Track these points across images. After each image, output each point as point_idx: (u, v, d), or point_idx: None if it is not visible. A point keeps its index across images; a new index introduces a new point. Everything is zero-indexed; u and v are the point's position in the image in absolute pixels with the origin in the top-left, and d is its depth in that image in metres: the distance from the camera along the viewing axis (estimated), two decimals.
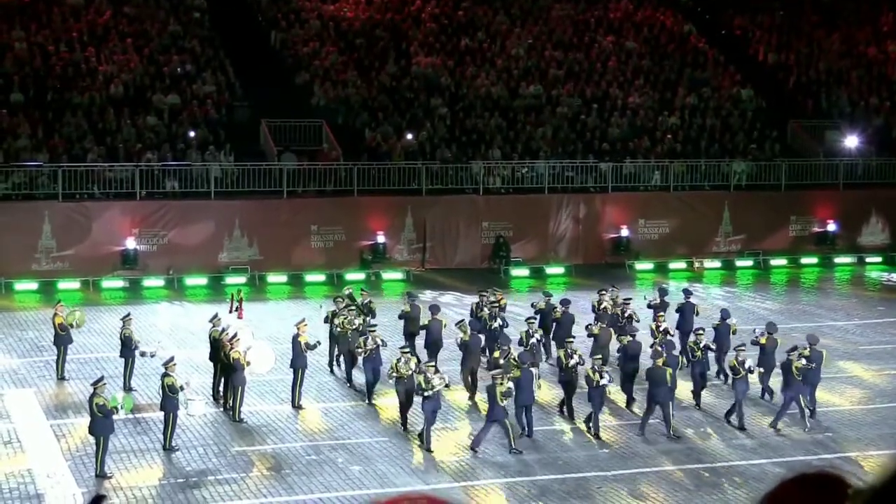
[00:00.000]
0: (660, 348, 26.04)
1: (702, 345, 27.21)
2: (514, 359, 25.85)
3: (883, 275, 45.47)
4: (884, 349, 33.29)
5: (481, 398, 26.72)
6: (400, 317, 30.38)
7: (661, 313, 29.16)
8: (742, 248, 46.10)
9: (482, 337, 28.59)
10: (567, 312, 30.27)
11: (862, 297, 41.62)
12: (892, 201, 47.77)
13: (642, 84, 50.58)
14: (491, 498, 21.89)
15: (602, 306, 31.21)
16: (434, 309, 29.80)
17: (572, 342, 27.07)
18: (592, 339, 28.95)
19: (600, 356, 26.15)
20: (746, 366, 25.96)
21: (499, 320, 29.66)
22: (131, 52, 45.55)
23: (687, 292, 32.41)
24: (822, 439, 25.58)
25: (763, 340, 27.91)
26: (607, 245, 44.77)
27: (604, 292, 31.88)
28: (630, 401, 27.22)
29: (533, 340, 28.07)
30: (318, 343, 27.56)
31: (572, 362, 26.10)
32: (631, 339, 27.76)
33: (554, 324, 30.38)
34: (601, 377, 25.00)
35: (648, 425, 25.51)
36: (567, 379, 26.38)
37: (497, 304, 30.81)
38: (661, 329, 28.32)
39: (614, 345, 29.15)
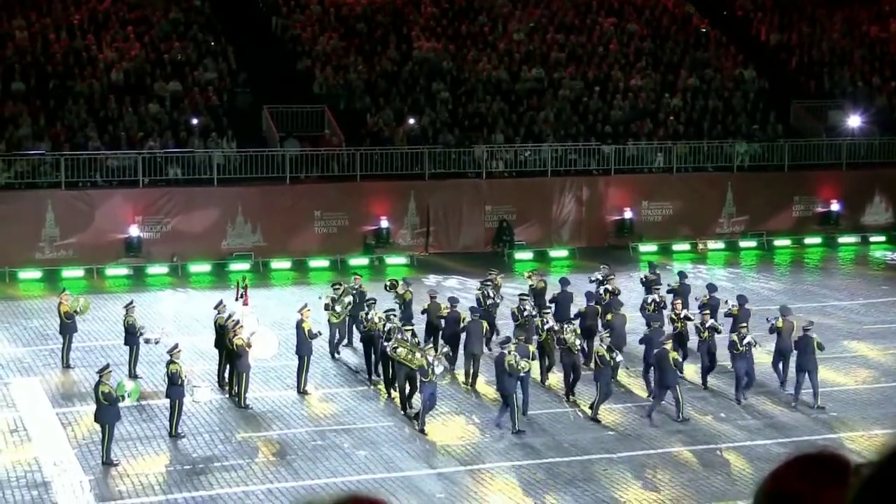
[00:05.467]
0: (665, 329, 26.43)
1: (707, 325, 27.19)
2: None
3: (887, 254, 45.43)
4: (888, 328, 33.29)
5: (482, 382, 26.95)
6: (442, 324, 29.68)
7: (678, 302, 29.00)
8: (745, 229, 46.05)
9: (484, 322, 28.54)
10: (565, 292, 30.53)
11: (866, 276, 41.61)
12: (895, 181, 47.71)
13: (644, 66, 50.47)
14: (497, 481, 21.94)
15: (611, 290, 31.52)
16: (453, 301, 29.76)
17: (549, 313, 28.05)
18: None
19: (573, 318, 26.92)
20: (745, 342, 26.11)
21: (490, 296, 30.05)
22: (132, 39, 45.50)
23: (682, 274, 32.95)
24: (826, 419, 25.62)
25: (780, 324, 27.81)
26: (610, 227, 44.74)
27: (609, 275, 32.29)
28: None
29: (526, 314, 28.37)
30: (319, 333, 27.56)
31: (548, 326, 26.97)
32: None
33: (554, 304, 30.46)
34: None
35: (658, 410, 25.56)
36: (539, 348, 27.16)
37: (488, 282, 31.01)
38: (682, 315, 28.30)
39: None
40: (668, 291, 31.17)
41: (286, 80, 45.67)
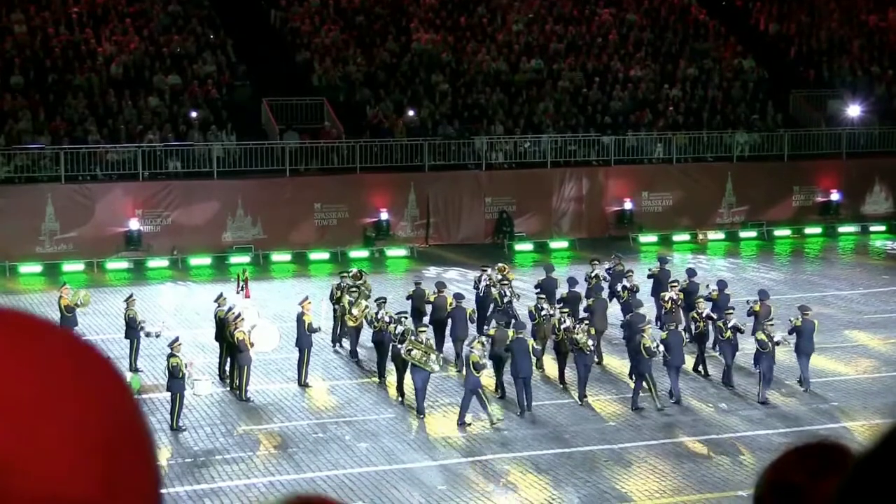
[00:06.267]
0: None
1: (730, 325, 26.77)
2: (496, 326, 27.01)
3: (887, 243, 45.43)
4: (888, 318, 33.29)
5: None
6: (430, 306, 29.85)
7: (700, 300, 28.60)
8: (745, 219, 46.05)
9: (466, 308, 28.81)
10: (573, 291, 30.45)
11: (866, 265, 41.61)
12: (895, 170, 47.70)
13: (643, 56, 50.45)
14: (499, 472, 21.95)
15: (594, 273, 31.69)
16: (440, 286, 29.98)
17: (566, 312, 27.72)
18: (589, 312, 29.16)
19: (586, 319, 26.86)
20: (775, 339, 25.84)
21: (506, 294, 30.10)
22: (131, 32, 45.47)
23: (663, 259, 33.63)
24: (828, 409, 25.64)
25: (757, 308, 28.10)
26: (611, 218, 44.74)
27: (596, 262, 32.47)
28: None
29: (544, 314, 28.11)
30: (319, 328, 27.52)
31: (564, 326, 26.62)
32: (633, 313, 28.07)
33: (538, 290, 30.70)
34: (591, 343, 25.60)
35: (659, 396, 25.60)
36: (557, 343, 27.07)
37: (505, 280, 31.08)
38: (705, 315, 27.79)
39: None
40: (649, 277, 31.55)
41: (285, 72, 45.63)
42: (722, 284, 30.14)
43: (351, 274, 31.11)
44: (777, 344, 25.90)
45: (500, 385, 26.23)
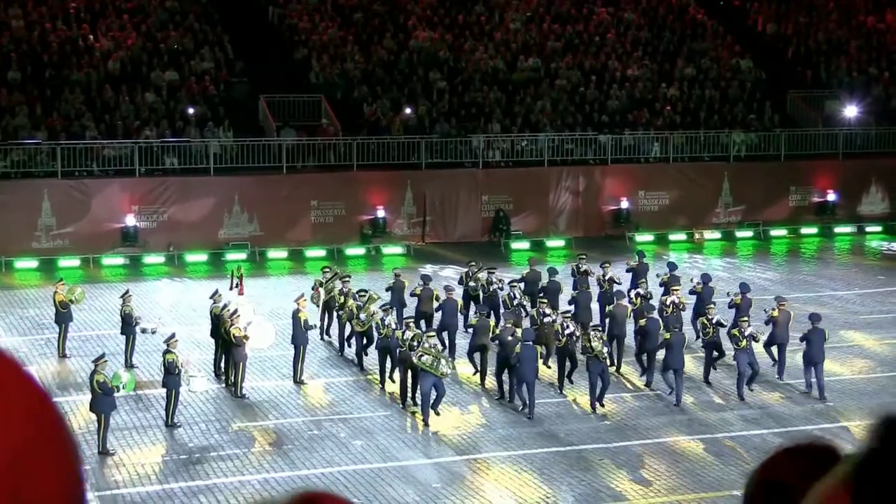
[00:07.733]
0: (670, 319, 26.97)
1: (746, 333, 26.27)
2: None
3: (883, 244, 45.44)
4: (884, 318, 33.33)
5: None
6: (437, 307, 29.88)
7: (712, 305, 28.18)
8: (742, 219, 46.06)
9: (459, 300, 29.15)
10: (553, 281, 30.71)
11: (862, 266, 41.64)
12: (891, 170, 47.71)
13: (641, 56, 50.45)
14: (493, 471, 21.97)
15: (582, 270, 31.78)
16: (426, 279, 30.22)
17: (569, 317, 27.50)
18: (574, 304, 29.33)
19: (598, 325, 26.88)
20: (746, 334, 25.94)
21: (516, 297, 30.04)
22: (129, 28, 45.43)
23: (641, 254, 33.74)
24: (823, 409, 25.66)
25: (737, 300, 28.58)
26: (607, 217, 44.76)
27: (583, 258, 32.75)
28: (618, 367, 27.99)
29: (547, 319, 27.86)
30: (315, 325, 27.60)
31: (568, 331, 26.45)
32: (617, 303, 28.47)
33: (523, 283, 30.94)
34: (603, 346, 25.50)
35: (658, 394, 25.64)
36: (562, 348, 26.79)
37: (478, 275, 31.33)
38: (715, 321, 27.26)
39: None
40: (627, 271, 31.64)
41: (283, 69, 45.60)
42: (706, 277, 30.42)
43: (334, 274, 30.95)
44: (753, 339, 25.99)
45: (479, 377, 26.68)
